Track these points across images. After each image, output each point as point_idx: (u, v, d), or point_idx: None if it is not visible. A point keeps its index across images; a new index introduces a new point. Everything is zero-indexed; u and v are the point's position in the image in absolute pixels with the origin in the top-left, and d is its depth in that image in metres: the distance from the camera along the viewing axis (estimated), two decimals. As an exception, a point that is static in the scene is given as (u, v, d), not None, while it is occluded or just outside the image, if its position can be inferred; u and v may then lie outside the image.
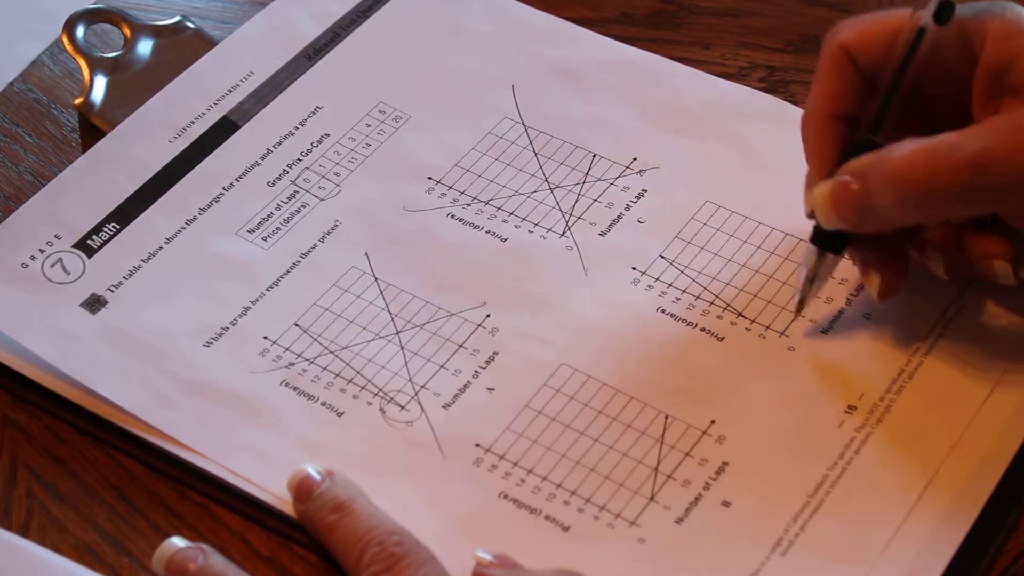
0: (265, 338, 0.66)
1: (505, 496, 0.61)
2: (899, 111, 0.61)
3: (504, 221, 0.70)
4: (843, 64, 0.62)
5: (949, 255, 0.63)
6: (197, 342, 0.66)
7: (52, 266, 0.69)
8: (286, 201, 0.71)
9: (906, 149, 0.58)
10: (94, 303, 0.67)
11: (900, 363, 0.64)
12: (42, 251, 0.69)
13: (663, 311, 0.66)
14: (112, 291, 0.68)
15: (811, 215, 0.63)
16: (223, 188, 0.72)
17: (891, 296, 0.63)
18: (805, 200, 0.63)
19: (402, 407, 0.64)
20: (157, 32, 0.78)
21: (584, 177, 0.72)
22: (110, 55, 0.77)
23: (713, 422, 0.62)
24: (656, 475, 0.61)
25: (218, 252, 0.69)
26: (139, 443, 0.63)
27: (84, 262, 0.69)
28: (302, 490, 0.60)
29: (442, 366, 0.65)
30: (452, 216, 0.71)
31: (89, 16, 0.78)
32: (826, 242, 0.63)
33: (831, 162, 0.62)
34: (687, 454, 0.61)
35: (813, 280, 0.64)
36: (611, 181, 0.71)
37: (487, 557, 0.58)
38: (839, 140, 0.62)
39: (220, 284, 0.68)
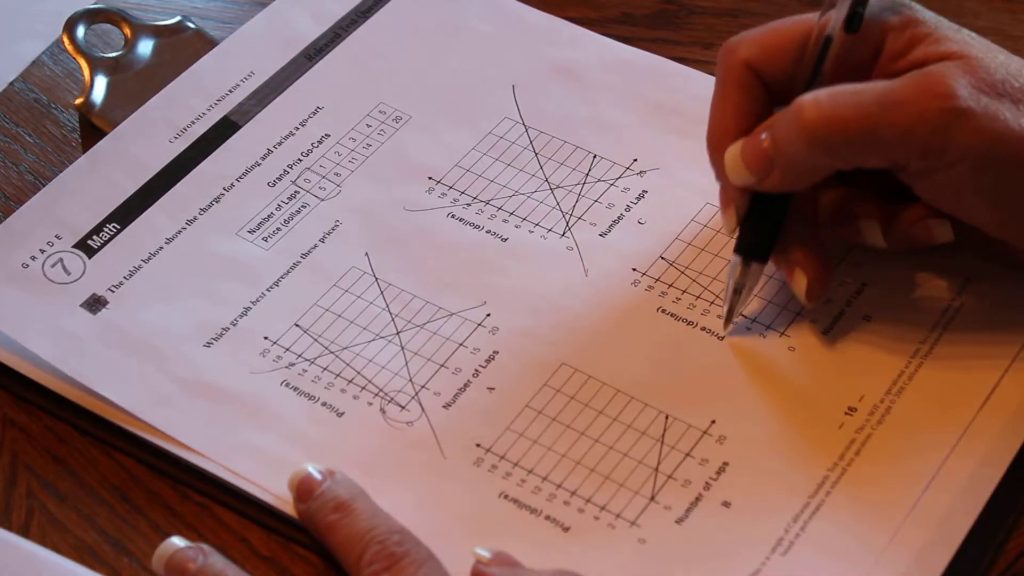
0: (265, 338, 0.66)
1: (505, 496, 0.61)
2: None
3: (504, 221, 0.70)
4: (748, 82, 0.62)
5: (882, 223, 0.63)
6: (197, 342, 0.66)
7: (52, 266, 0.69)
8: (286, 201, 0.71)
9: (813, 95, 0.59)
10: (94, 303, 0.67)
11: (900, 365, 0.63)
12: (42, 251, 0.69)
13: (663, 311, 0.66)
14: (112, 291, 0.68)
15: (733, 232, 0.64)
16: (223, 188, 0.72)
17: (819, 297, 0.63)
18: (724, 218, 0.64)
19: (402, 407, 0.64)
20: (157, 32, 0.78)
21: (584, 177, 0.72)
22: (110, 55, 0.77)
23: (713, 422, 0.62)
24: (656, 475, 0.61)
25: (218, 252, 0.69)
26: (139, 443, 0.63)
27: (84, 262, 0.69)
28: (303, 490, 0.60)
29: (442, 365, 0.65)
30: (452, 216, 0.71)
31: (89, 16, 0.78)
32: (750, 250, 0.63)
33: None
34: (687, 454, 0.61)
35: (740, 291, 0.64)
36: (611, 182, 0.71)
37: (486, 555, 0.58)
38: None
39: (220, 284, 0.68)
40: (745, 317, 0.65)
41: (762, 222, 0.63)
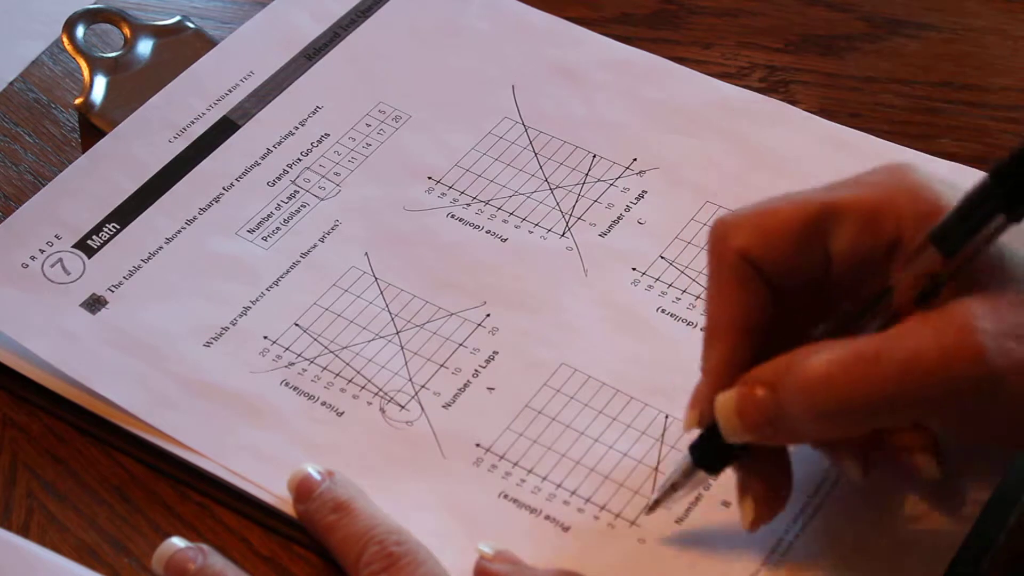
0: (265, 338, 0.66)
1: (505, 496, 0.61)
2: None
3: (504, 221, 0.70)
4: (745, 275, 0.54)
5: (865, 455, 0.56)
6: (197, 342, 0.66)
7: (52, 266, 0.69)
8: (286, 201, 0.71)
9: (823, 358, 0.51)
10: (94, 303, 0.67)
11: None
12: (42, 251, 0.69)
13: (663, 311, 0.66)
14: (112, 291, 0.68)
15: (687, 430, 0.56)
16: (223, 188, 0.72)
17: (763, 524, 0.56)
18: (685, 416, 0.56)
19: (402, 407, 0.64)
20: (157, 32, 0.78)
21: (584, 177, 0.72)
22: (110, 55, 0.77)
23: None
24: (656, 475, 0.61)
25: (218, 252, 0.69)
26: (139, 443, 0.63)
27: (84, 262, 0.69)
28: (302, 490, 0.60)
29: (442, 365, 0.65)
30: (452, 216, 0.71)
31: (89, 16, 0.78)
32: (704, 458, 0.56)
33: (732, 378, 0.55)
34: (687, 454, 0.61)
35: (677, 489, 0.57)
36: (611, 182, 0.71)
37: (489, 551, 0.58)
38: (746, 353, 0.55)
39: (220, 284, 0.68)
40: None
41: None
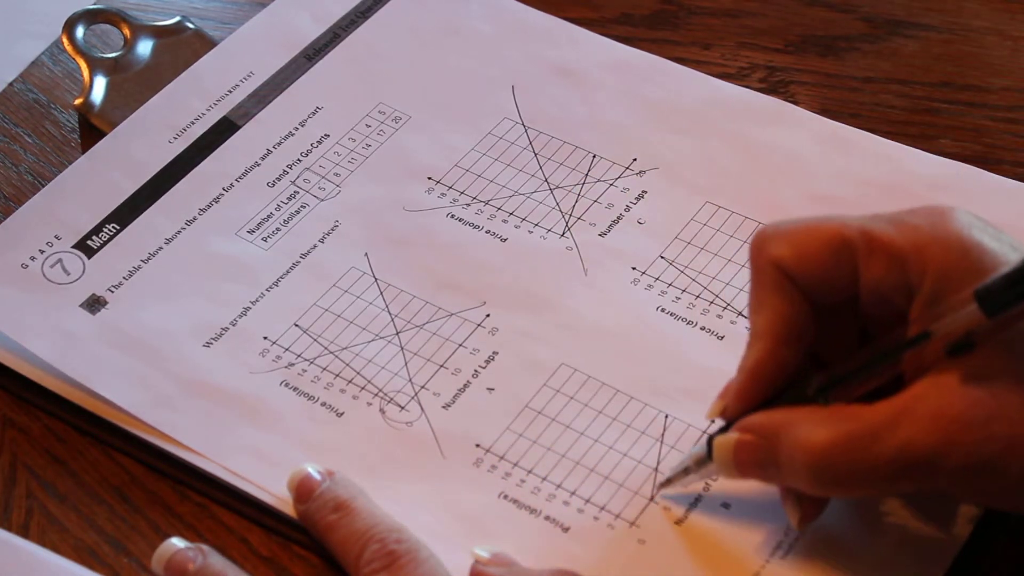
0: (265, 338, 0.66)
1: (505, 496, 0.61)
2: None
3: (504, 221, 0.70)
4: (782, 284, 0.56)
5: (810, 509, 0.57)
6: (197, 342, 0.66)
7: (52, 266, 0.69)
8: (286, 201, 0.71)
9: (822, 435, 0.53)
10: (94, 303, 0.67)
11: None
12: (42, 251, 0.69)
13: (663, 310, 0.66)
14: (112, 291, 0.68)
15: (711, 418, 0.58)
16: (223, 188, 0.72)
17: (810, 521, 0.57)
18: (713, 404, 0.58)
19: (402, 407, 0.64)
20: (157, 32, 0.78)
21: (584, 178, 0.72)
22: (110, 55, 0.77)
23: (713, 422, 0.62)
24: (656, 475, 0.61)
25: (218, 252, 0.69)
26: (139, 443, 0.63)
27: (84, 262, 0.69)
28: (302, 490, 0.60)
29: (442, 366, 0.65)
30: (452, 216, 0.71)
31: (89, 16, 0.78)
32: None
33: (764, 392, 0.56)
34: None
35: (688, 472, 0.59)
36: (611, 182, 0.71)
37: (485, 555, 0.58)
38: (784, 357, 0.56)
39: (220, 284, 0.68)
40: (745, 316, 0.64)
41: None
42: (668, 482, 0.60)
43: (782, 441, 0.54)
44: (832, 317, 0.57)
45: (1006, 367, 0.52)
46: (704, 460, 0.58)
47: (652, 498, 0.60)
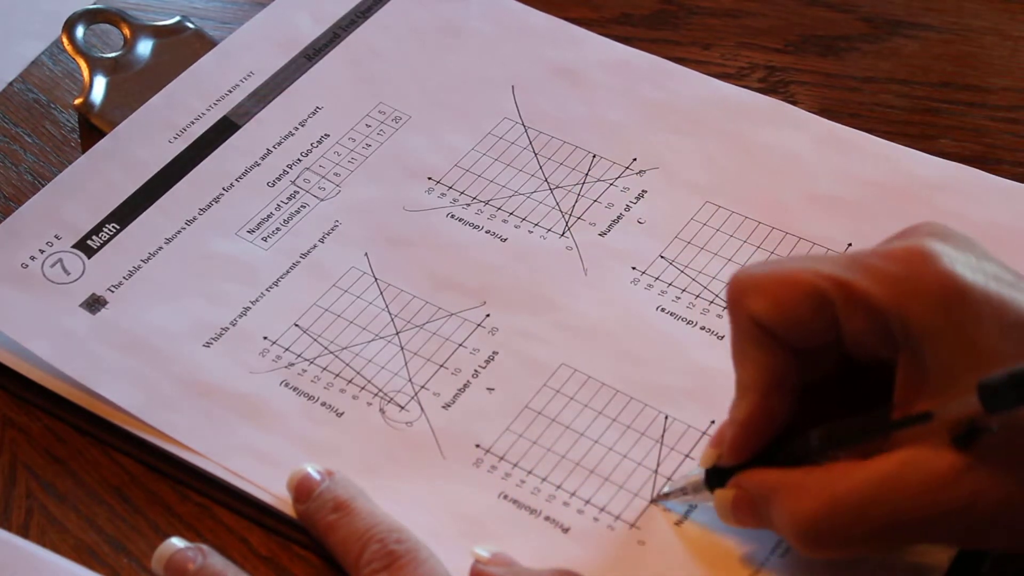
0: (265, 338, 0.66)
1: (505, 497, 0.61)
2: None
3: (504, 221, 0.70)
4: (762, 339, 0.55)
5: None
6: (197, 342, 0.66)
7: (52, 266, 0.69)
8: (286, 201, 0.71)
9: (809, 506, 0.53)
10: (94, 303, 0.67)
11: None
12: (42, 251, 0.69)
13: (663, 310, 0.66)
14: (112, 291, 0.68)
15: (707, 466, 0.58)
16: (223, 188, 0.72)
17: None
18: (705, 452, 0.58)
19: (402, 407, 0.64)
20: (157, 32, 0.78)
21: (584, 177, 0.72)
22: (110, 55, 0.77)
23: (713, 422, 0.62)
24: (656, 477, 0.61)
25: (218, 252, 0.69)
26: (139, 443, 0.63)
27: (84, 262, 0.69)
28: (302, 490, 0.60)
29: (442, 366, 0.65)
30: (452, 216, 0.71)
31: (89, 16, 0.78)
32: (716, 485, 0.57)
33: (758, 443, 0.56)
34: (687, 455, 0.61)
35: (687, 492, 0.59)
36: (611, 182, 0.71)
37: (485, 554, 0.58)
38: (774, 405, 0.55)
39: (220, 284, 0.68)
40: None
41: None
42: (666, 496, 0.60)
43: (773, 505, 0.55)
44: (816, 352, 0.56)
45: (1000, 445, 0.51)
46: (701, 487, 0.58)
47: (652, 501, 0.60)
